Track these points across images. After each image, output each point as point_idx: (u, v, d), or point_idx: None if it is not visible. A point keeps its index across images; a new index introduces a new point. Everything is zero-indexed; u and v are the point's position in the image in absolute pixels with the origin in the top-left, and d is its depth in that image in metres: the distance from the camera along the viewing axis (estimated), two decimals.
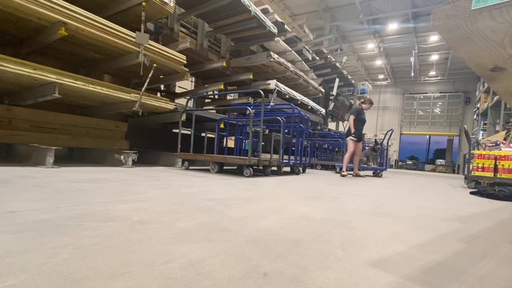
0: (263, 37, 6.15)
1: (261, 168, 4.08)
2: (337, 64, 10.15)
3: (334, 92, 10.60)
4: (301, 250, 0.97)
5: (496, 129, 10.90)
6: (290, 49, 6.81)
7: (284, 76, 6.86)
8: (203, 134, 5.73)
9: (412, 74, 19.37)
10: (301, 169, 5.25)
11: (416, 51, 16.44)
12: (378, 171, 6.32)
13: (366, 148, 7.45)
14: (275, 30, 5.79)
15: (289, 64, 6.58)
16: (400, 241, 1.17)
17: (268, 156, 4.65)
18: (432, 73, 20.23)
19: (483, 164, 4.50)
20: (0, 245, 0.80)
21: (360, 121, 5.38)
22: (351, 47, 17.36)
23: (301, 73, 7.31)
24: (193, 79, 7.77)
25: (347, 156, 5.34)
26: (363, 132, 5.71)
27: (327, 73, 10.04)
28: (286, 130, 4.75)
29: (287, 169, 5.58)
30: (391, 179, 5.64)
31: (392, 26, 14.34)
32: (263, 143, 4.48)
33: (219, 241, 0.99)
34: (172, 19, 5.64)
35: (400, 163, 22.35)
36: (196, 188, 2.26)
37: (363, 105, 5.60)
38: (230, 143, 6.24)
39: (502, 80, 1.05)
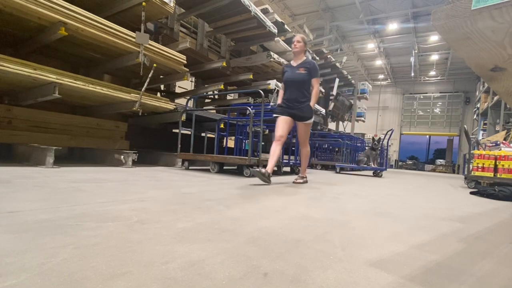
0: (263, 37, 6.16)
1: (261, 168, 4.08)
2: (337, 64, 10.15)
3: (334, 92, 10.60)
4: (301, 250, 0.97)
5: (496, 129, 10.90)
6: (290, 49, 6.79)
7: None
8: (203, 134, 5.72)
9: (412, 74, 19.37)
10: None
11: (416, 51, 16.45)
12: (378, 171, 6.32)
13: (366, 148, 7.45)
14: (275, 30, 5.79)
15: None
16: (400, 241, 1.17)
17: (268, 156, 4.65)
18: (432, 73, 20.23)
19: (483, 164, 4.50)
20: (0, 245, 0.80)
21: (285, 84, 3.28)
22: (351, 47, 17.35)
23: None
24: (193, 79, 7.77)
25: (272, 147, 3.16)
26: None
27: (327, 73, 10.04)
28: None
29: (287, 169, 5.57)
30: (391, 179, 5.64)
31: (392, 26, 14.34)
32: (263, 143, 4.49)
33: (219, 241, 0.99)
34: (172, 19, 5.64)
35: (400, 163, 22.35)
36: (196, 188, 2.26)
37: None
38: (230, 143, 6.25)
39: (502, 80, 1.05)
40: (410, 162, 23.04)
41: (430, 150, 26.15)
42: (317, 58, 8.65)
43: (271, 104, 5.59)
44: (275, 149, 3.11)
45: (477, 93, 16.10)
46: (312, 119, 3.26)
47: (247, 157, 3.62)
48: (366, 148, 7.47)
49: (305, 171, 3.46)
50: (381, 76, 22.21)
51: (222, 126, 5.05)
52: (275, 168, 4.59)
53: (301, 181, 3.32)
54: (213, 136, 5.68)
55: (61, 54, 3.81)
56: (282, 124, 3.14)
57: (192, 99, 6.69)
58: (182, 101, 5.51)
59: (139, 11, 3.60)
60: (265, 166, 3.04)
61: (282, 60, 6.23)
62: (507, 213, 2.21)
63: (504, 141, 5.73)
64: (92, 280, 0.65)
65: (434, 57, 17.53)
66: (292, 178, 4.06)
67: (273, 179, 3.65)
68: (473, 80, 18.87)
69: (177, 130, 4.88)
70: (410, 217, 1.71)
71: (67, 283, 0.63)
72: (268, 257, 0.88)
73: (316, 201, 2.07)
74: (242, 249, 0.93)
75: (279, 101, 3.34)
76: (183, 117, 4.45)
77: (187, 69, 4.39)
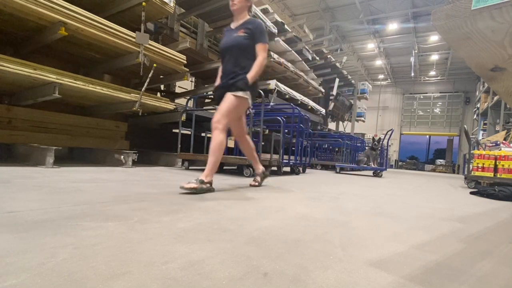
0: None
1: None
2: (337, 64, 10.15)
3: (334, 92, 10.60)
4: (301, 250, 0.97)
5: (496, 129, 10.90)
6: (290, 49, 6.81)
7: (284, 76, 6.86)
8: (203, 134, 5.72)
9: (412, 74, 19.39)
10: (301, 169, 5.24)
11: (416, 51, 16.46)
12: (378, 171, 6.32)
13: (366, 148, 7.45)
14: (275, 30, 5.79)
15: (289, 64, 6.58)
16: (400, 241, 1.17)
17: (268, 156, 4.65)
18: (432, 73, 20.25)
19: (483, 164, 4.50)
20: (0, 245, 0.80)
21: (221, 54, 2.46)
22: (351, 47, 17.36)
23: (301, 73, 7.31)
24: (193, 79, 7.77)
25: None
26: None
27: (327, 73, 10.04)
28: (286, 130, 4.75)
29: (287, 169, 5.57)
30: (391, 179, 5.64)
31: (392, 26, 14.35)
32: (263, 143, 4.49)
33: (219, 241, 0.99)
34: (172, 19, 5.64)
35: (400, 163, 22.35)
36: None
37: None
38: (230, 143, 6.25)
39: (502, 80, 1.05)
40: (410, 162, 23.05)
41: (430, 150, 26.19)
42: (317, 58, 8.64)
43: (271, 104, 5.59)
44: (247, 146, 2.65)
45: (477, 93, 16.11)
46: (245, 94, 2.24)
47: (247, 157, 3.61)
48: (366, 148, 7.47)
49: (211, 176, 2.15)
50: (381, 76, 22.22)
51: None
52: (275, 168, 4.60)
53: (194, 185, 1.96)
54: None
55: (61, 54, 3.81)
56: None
57: (192, 99, 6.69)
58: (182, 101, 5.51)
59: (139, 11, 3.60)
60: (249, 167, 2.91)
61: (282, 60, 6.23)
62: (507, 213, 2.21)
63: (504, 141, 5.73)
64: (92, 280, 0.65)
65: (434, 57, 17.54)
66: (292, 178, 4.06)
67: (273, 179, 3.66)
68: (473, 80, 18.88)
69: (177, 130, 4.88)
70: (410, 217, 1.71)
71: (67, 283, 0.63)
72: (268, 257, 0.88)
73: (316, 201, 2.07)
74: (242, 249, 0.93)
75: (217, 81, 2.45)
76: (183, 117, 4.45)
77: (187, 69, 4.38)
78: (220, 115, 2.19)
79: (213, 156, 2.17)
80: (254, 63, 2.27)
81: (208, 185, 2.08)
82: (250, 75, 2.23)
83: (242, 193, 2.17)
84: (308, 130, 5.69)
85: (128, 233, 1.00)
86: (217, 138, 2.17)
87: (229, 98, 2.23)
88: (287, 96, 6.58)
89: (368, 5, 13.09)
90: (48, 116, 3.65)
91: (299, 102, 7.10)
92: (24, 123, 3.43)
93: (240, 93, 2.22)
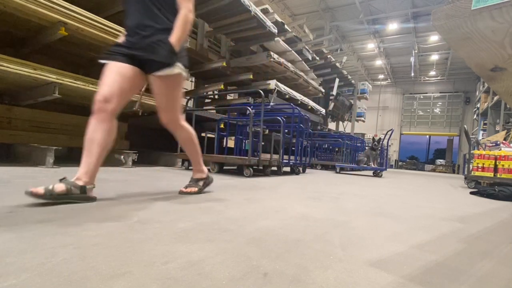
0: (263, 37, 6.15)
1: (261, 168, 4.08)
2: (337, 64, 10.15)
3: (334, 92, 10.60)
4: (301, 250, 0.97)
5: (496, 129, 10.91)
6: (290, 49, 6.81)
7: (284, 76, 6.86)
8: (203, 134, 5.72)
9: (412, 74, 19.40)
10: (301, 169, 5.24)
11: (416, 51, 16.47)
12: (378, 171, 6.32)
13: (366, 148, 7.45)
14: (275, 30, 5.79)
15: (289, 64, 6.58)
16: (400, 241, 1.17)
17: (268, 156, 4.64)
18: (432, 73, 20.25)
19: (483, 164, 4.50)
20: (0, 245, 0.80)
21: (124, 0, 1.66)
22: (351, 47, 17.37)
23: (301, 73, 7.31)
24: (193, 79, 7.77)
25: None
26: None
27: (327, 73, 10.04)
28: (286, 130, 4.75)
29: (287, 169, 5.57)
30: (391, 179, 5.64)
31: (392, 26, 14.36)
32: (263, 143, 4.49)
33: (219, 241, 0.99)
34: None
35: (400, 163, 22.36)
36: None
37: None
38: (230, 143, 6.25)
39: (502, 80, 1.05)
40: (410, 162, 23.05)
41: (430, 150, 26.18)
42: (317, 58, 8.63)
43: (271, 104, 5.59)
44: (94, 133, 1.61)
45: (477, 93, 16.12)
46: (173, 69, 1.62)
47: (247, 157, 3.62)
48: (366, 148, 7.48)
49: (202, 170, 2.12)
50: (381, 76, 22.22)
51: (222, 126, 5.05)
52: (275, 168, 4.58)
53: (194, 189, 2.01)
54: (213, 136, 5.68)
55: (61, 54, 3.81)
56: (111, 76, 1.56)
57: (192, 99, 6.70)
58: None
59: None
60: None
61: (282, 60, 6.23)
62: (507, 213, 2.21)
63: (504, 141, 5.73)
64: (92, 280, 0.65)
65: (434, 57, 17.55)
66: (292, 178, 4.05)
67: (273, 179, 3.65)
68: (473, 80, 18.88)
69: None
70: (410, 217, 1.71)
71: (67, 283, 0.63)
72: (268, 257, 0.88)
73: (316, 201, 2.07)
74: (242, 249, 0.93)
75: (121, 39, 1.69)
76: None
77: (187, 69, 4.38)
78: (166, 114, 1.85)
79: (190, 151, 2.06)
80: (175, 17, 1.61)
81: (203, 180, 2.11)
82: (174, 39, 1.56)
83: (242, 193, 2.17)
84: (308, 130, 5.69)
85: (128, 233, 1.00)
86: (182, 136, 1.98)
87: (161, 85, 1.71)
88: (287, 96, 6.58)
89: (368, 5, 13.09)
90: (48, 116, 3.65)
91: (299, 102, 7.10)
92: (24, 123, 3.43)
93: (166, 71, 1.61)
